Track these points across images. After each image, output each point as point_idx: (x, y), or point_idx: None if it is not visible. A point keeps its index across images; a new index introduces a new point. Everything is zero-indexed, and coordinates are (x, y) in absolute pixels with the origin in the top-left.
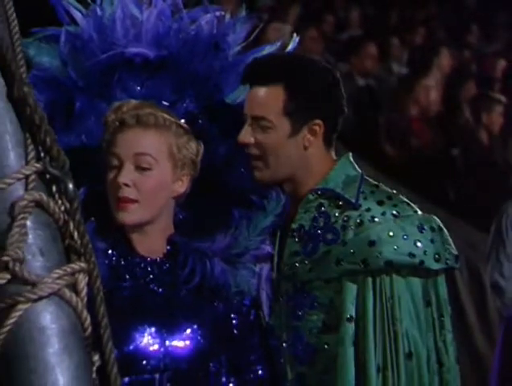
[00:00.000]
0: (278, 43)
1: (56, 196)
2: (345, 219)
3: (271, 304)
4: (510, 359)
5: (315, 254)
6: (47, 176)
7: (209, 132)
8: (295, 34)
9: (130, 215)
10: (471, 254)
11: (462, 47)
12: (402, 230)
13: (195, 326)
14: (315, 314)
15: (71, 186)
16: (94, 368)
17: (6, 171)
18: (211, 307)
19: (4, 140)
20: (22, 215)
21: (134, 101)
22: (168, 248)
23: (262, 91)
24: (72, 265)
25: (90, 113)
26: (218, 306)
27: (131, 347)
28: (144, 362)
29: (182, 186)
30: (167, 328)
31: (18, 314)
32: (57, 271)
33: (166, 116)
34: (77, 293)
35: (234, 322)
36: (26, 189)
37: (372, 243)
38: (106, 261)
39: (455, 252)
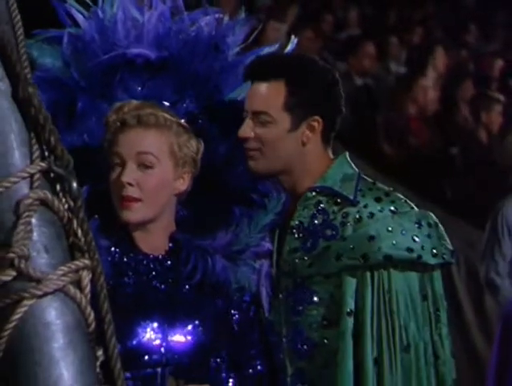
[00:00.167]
0: (277, 45)
1: (60, 194)
2: (344, 215)
3: (271, 300)
4: (507, 357)
5: (314, 250)
6: (52, 175)
7: (209, 131)
8: (293, 36)
9: (133, 214)
10: (469, 252)
11: (460, 46)
12: (400, 225)
13: (196, 322)
14: (315, 309)
15: (75, 184)
16: (98, 363)
17: (11, 170)
18: (212, 303)
19: (9, 139)
20: (27, 213)
21: (134, 102)
22: (170, 245)
23: (263, 86)
24: (77, 262)
25: (92, 113)
26: (219, 302)
27: (134, 342)
28: (146, 356)
29: (183, 184)
30: (169, 323)
31: (23, 309)
32: (62, 268)
33: (166, 115)
34: (81, 289)
35: (235, 317)
36: (31, 187)
37: (371, 238)
38: (109, 258)
39: (451, 247)
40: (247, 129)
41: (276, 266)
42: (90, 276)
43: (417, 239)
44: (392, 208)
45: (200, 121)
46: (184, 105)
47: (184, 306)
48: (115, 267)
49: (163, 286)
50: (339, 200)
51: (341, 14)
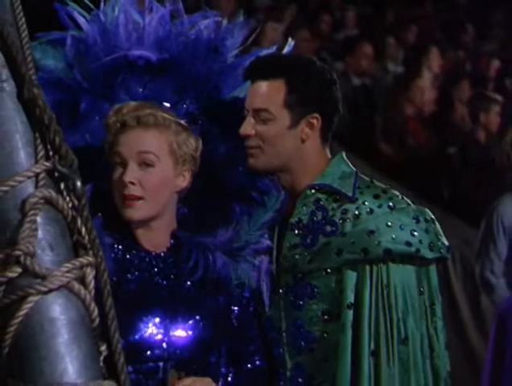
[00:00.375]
0: (274, 47)
1: (65, 193)
2: (344, 211)
3: (271, 295)
4: (502, 355)
5: (314, 246)
6: (56, 174)
7: (209, 131)
8: (290, 39)
9: (136, 212)
10: (466, 251)
11: (457, 46)
12: (398, 220)
13: (197, 317)
14: (315, 304)
15: (79, 183)
16: (101, 358)
17: (16, 169)
18: (213, 299)
19: (15, 139)
20: (32, 212)
21: (133, 103)
22: (172, 242)
23: (264, 85)
24: (81, 259)
25: (94, 114)
26: (220, 298)
27: (136, 337)
28: (149, 351)
29: (184, 181)
30: (171, 319)
31: (29, 305)
32: (66, 265)
33: (165, 115)
34: (85, 285)
35: (234, 313)
36: (36, 186)
37: (371, 232)
38: (113, 255)
39: (446, 242)
40: (248, 127)
41: (276, 262)
42: (94, 272)
43: (415, 233)
44: (390, 204)
45: (200, 121)
46: (185, 106)
47: (186, 302)
48: (118, 264)
49: (164, 282)
50: (338, 197)
51: (339, 15)
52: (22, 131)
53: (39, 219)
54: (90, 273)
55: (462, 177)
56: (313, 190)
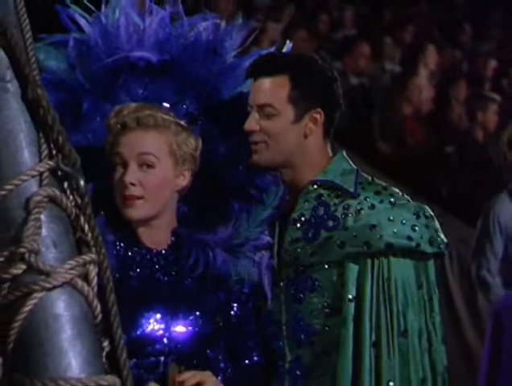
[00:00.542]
0: (273, 48)
1: (68, 192)
2: (346, 206)
3: (272, 289)
4: (499, 353)
5: (316, 240)
6: (60, 173)
7: (209, 131)
8: (288, 41)
9: (136, 211)
10: (463, 249)
11: (454, 46)
12: (400, 216)
13: (197, 313)
14: (316, 297)
15: (82, 182)
16: (104, 353)
17: (21, 168)
18: (213, 295)
19: (19, 139)
20: (36, 210)
21: (133, 104)
22: (173, 239)
23: (268, 81)
24: (84, 257)
25: (96, 114)
26: (220, 295)
27: (138, 332)
28: (150, 346)
29: (184, 180)
30: (172, 315)
31: (33, 302)
32: (70, 262)
33: (164, 116)
34: (88, 282)
35: (234, 309)
36: (40, 185)
37: (373, 227)
38: (115, 253)
39: (445, 239)
40: (252, 122)
41: (277, 256)
42: (97, 269)
43: (416, 228)
44: (392, 200)
45: (199, 121)
46: (184, 107)
47: (186, 298)
48: (120, 261)
49: (166, 279)
50: (339, 193)
51: (337, 14)
52: (26, 131)
53: (42, 217)
54: (93, 270)
55: (459, 176)
56: (315, 186)
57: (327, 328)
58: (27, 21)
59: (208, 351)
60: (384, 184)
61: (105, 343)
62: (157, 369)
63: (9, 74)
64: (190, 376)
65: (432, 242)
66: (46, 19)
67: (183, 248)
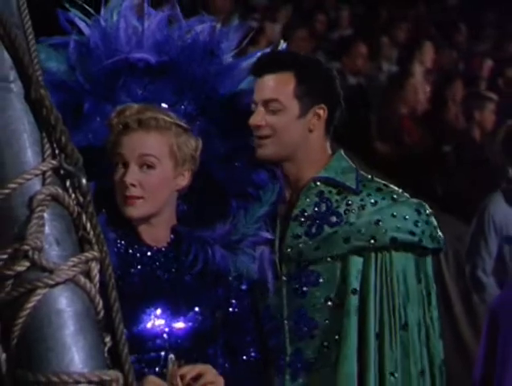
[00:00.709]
0: (269, 49)
1: (70, 190)
2: (349, 202)
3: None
4: (494, 351)
5: (319, 235)
6: (62, 172)
7: (207, 131)
8: (282, 41)
9: (136, 210)
10: (458, 248)
11: (450, 46)
12: (402, 211)
13: (197, 309)
14: (319, 291)
15: (84, 181)
16: (106, 348)
17: (24, 167)
18: (212, 291)
19: (22, 139)
20: (39, 208)
21: (135, 106)
22: (172, 237)
23: (273, 77)
24: (86, 254)
25: (96, 115)
26: (219, 291)
27: (139, 328)
28: (151, 341)
29: (184, 180)
30: (172, 311)
31: (36, 298)
32: (72, 259)
33: (166, 118)
34: (91, 279)
35: (232, 305)
36: (43, 184)
37: (377, 221)
38: (116, 250)
39: (442, 235)
40: (258, 118)
41: (279, 252)
42: (99, 266)
43: (418, 224)
44: (394, 196)
45: (198, 121)
46: (183, 107)
47: (186, 295)
48: (122, 258)
49: (166, 276)
50: (341, 190)
51: (334, 14)
52: (29, 131)
53: (46, 215)
54: (95, 267)
55: (456, 175)
56: (318, 183)
57: (328, 321)
58: (30, 22)
59: (206, 347)
60: (384, 182)
61: (107, 339)
62: (157, 364)
63: (12, 74)
64: (190, 369)
65: (433, 238)
66: (44, 22)
67: (182, 245)
